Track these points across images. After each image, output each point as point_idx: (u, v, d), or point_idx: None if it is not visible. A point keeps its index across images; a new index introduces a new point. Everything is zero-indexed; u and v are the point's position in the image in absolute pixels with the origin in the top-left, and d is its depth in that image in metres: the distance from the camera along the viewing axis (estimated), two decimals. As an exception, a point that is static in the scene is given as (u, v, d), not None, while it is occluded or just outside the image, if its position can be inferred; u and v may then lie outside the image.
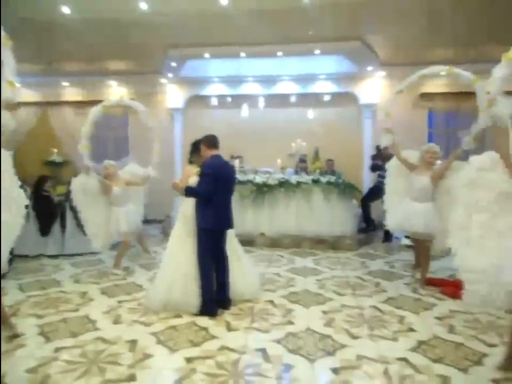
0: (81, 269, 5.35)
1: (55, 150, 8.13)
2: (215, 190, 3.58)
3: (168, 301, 3.68)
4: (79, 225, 6.10)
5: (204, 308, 3.64)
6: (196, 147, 3.96)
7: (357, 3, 6.07)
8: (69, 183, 6.45)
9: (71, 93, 9.61)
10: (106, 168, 5.26)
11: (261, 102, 9.32)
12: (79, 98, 9.48)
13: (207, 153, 3.73)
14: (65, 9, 6.13)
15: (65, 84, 9.39)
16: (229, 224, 3.82)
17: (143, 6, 6.07)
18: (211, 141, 3.77)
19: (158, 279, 3.85)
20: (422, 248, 4.59)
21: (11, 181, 2.94)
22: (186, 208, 3.87)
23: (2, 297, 3.27)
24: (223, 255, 3.82)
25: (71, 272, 5.18)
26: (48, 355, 2.87)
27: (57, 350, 2.95)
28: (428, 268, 4.60)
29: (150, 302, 3.78)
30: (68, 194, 6.33)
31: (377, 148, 7.32)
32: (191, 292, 3.67)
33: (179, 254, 3.80)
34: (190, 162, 4.05)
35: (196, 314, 3.61)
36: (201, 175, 3.62)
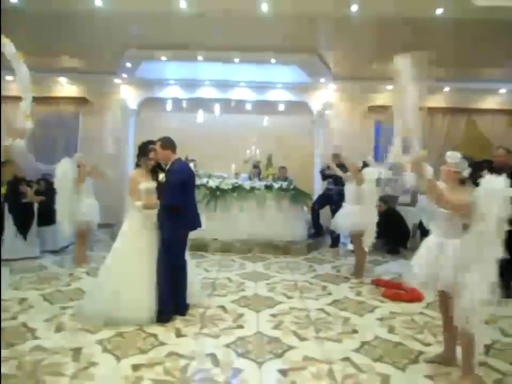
0: (20, 274, 5.03)
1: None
2: (186, 196, 3.59)
3: (112, 314, 3.41)
4: (20, 229, 5.77)
5: (162, 315, 3.54)
6: (144, 150, 3.78)
7: (312, 17, 6.31)
8: (9, 183, 6.10)
9: (15, 87, 9.02)
10: (80, 160, 5.55)
11: (217, 107, 9.34)
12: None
13: (171, 157, 3.65)
14: (14, -1, 5.80)
15: (9, 78, 8.81)
16: (200, 224, 3.83)
17: (98, 2, 5.89)
18: (174, 145, 3.69)
19: (98, 291, 3.56)
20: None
21: None
22: (134, 220, 3.69)
23: None
24: (184, 259, 3.78)
25: (9, 278, 4.84)
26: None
27: (-9, 361, 2.77)
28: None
29: (88, 317, 3.47)
30: (7, 196, 5.95)
31: (323, 166, 7.60)
32: (139, 302, 3.48)
33: (128, 262, 3.55)
34: (137, 165, 3.84)
35: (148, 324, 3.47)
36: (173, 182, 3.50)
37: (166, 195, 3.54)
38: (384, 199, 6.82)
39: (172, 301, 3.62)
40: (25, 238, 5.81)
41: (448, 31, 6.53)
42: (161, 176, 3.64)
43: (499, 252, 2.36)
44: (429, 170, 2.64)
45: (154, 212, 3.60)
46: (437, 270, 2.67)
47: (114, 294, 3.44)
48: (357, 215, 5.05)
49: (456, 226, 2.65)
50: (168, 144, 3.65)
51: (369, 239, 4.98)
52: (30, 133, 3.53)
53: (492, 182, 2.40)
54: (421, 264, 2.80)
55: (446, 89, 8.82)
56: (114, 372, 2.68)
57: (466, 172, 2.69)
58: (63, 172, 5.24)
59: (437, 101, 8.98)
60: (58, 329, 3.36)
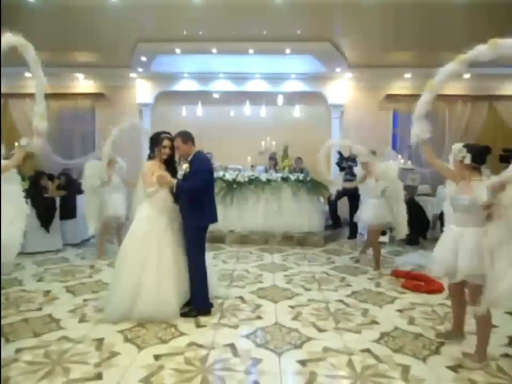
0: (43, 267, 5.17)
1: (16, 144, 7.77)
2: (208, 186, 3.60)
3: (132, 311, 3.35)
4: (42, 223, 5.91)
5: (202, 307, 3.56)
6: (157, 140, 3.66)
7: (327, 5, 6.19)
8: (30, 178, 6.25)
9: (32, 84, 9.18)
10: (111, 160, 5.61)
11: (231, 99, 9.32)
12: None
13: (193, 150, 3.64)
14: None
15: (28, 75, 8.98)
16: (217, 219, 3.79)
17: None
18: (193, 137, 3.67)
19: (116, 287, 3.43)
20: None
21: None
22: (149, 208, 3.56)
23: None
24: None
25: (33, 271, 4.99)
26: (8, 357, 2.76)
27: (18, 351, 2.86)
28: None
29: (109, 314, 3.41)
30: (30, 191, 6.10)
31: (339, 153, 7.53)
32: (164, 298, 3.38)
33: (147, 256, 3.42)
34: (150, 158, 3.70)
35: (187, 315, 3.48)
36: (196, 171, 3.48)
37: (192, 181, 3.47)
38: (404, 189, 6.73)
39: (207, 292, 3.64)
40: (47, 231, 5.96)
41: (465, 15, 6.33)
42: (185, 166, 3.54)
43: None
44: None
45: (169, 196, 3.59)
46: (457, 258, 2.67)
47: (135, 287, 3.35)
48: (377, 208, 5.04)
49: (476, 215, 2.65)
50: (188, 137, 3.63)
51: (402, 232, 5.16)
52: (45, 132, 3.57)
53: None
54: (442, 254, 2.81)
55: (466, 75, 8.57)
56: (136, 361, 2.73)
57: (467, 158, 2.70)
58: (91, 174, 5.44)
59: (457, 89, 8.74)
60: (82, 320, 3.45)
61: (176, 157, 3.84)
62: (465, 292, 2.94)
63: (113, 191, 5.62)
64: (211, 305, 3.66)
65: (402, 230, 5.14)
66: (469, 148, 2.76)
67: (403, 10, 6.30)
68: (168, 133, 3.69)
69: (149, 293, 3.35)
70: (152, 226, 3.49)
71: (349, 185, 5.93)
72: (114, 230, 5.95)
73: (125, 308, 3.36)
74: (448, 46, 7.53)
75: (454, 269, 2.69)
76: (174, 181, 3.50)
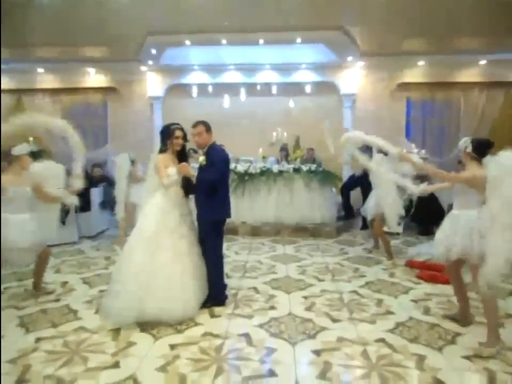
0: (60, 259, 5.27)
1: (31, 139, 7.88)
2: (225, 179, 3.60)
3: (143, 311, 3.14)
4: (60, 215, 6.00)
5: (219, 297, 3.60)
6: (168, 133, 3.52)
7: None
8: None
9: (46, 80, 9.29)
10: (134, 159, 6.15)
11: (242, 91, 9.27)
12: (55, 85, 9.19)
13: (210, 140, 3.60)
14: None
15: (40, 70, 9.08)
16: (230, 214, 3.73)
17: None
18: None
19: (122, 288, 3.16)
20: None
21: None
22: (162, 202, 3.41)
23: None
24: None
25: (50, 263, 5.05)
26: (28, 346, 2.84)
27: (38, 340, 2.93)
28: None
29: (115, 316, 3.16)
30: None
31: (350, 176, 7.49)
32: (179, 294, 3.24)
33: (157, 253, 3.25)
34: (162, 151, 3.52)
35: (206, 306, 3.49)
36: (213, 162, 3.43)
37: (211, 172, 3.41)
38: (418, 179, 6.63)
39: (224, 283, 3.69)
40: (63, 224, 6.04)
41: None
42: (202, 159, 3.44)
43: None
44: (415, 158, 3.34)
45: (180, 190, 3.52)
46: (453, 239, 2.93)
47: (146, 285, 3.16)
48: (373, 199, 5.18)
49: (470, 198, 2.91)
50: (210, 126, 3.60)
51: (391, 222, 4.96)
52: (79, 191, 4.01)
53: (506, 157, 2.54)
54: (441, 236, 3.07)
55: (482, 62, 8.35)
56: (152, 351, 2.77)
57: (469, 147, 2.97)
58: (122, 164, 5.94)
59: (472, 76, 8.54)
60: (98, 310, 3.50)
61: (187, 147, 3.80)
62: (461, 273, 3.20)
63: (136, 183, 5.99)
64: (226, 297, 3.69)
65: (392, 222, 4.93)
66: (473, 140, 3.02)
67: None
68: (178, 124, 3.60)
69: (163, 290, 3.17)
70: (164, 220, 3.34)
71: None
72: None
73: (134, 309, 3.11)
74: (461, 32, 7.42)
75: (450, 249, 2.93)
76: (194, 173, 3.44)
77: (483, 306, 2.84)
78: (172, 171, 3.32)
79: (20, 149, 3.68)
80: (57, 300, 3.77)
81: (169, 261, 3.26)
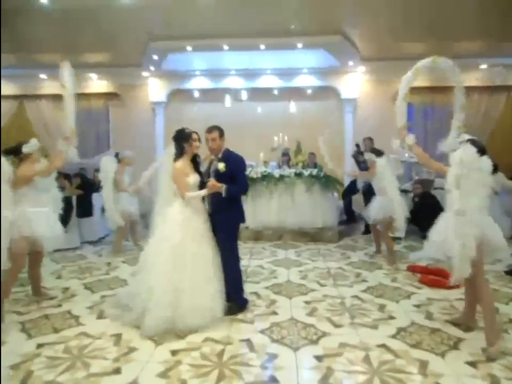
0: (61, 264, 5.28)
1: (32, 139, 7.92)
2: None
3: (176, 321, 3.10)
4: (61, 221, 6.00)
5: (241, 304, 3.58)
6: (186, 137, 3.41)
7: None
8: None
9: (49, 85, 9.36)
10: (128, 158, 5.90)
11: (243, 96, 9.31)
12: (57, 91, 9.22)
13: (223, 146, 3.58)
14: (43, -1, 5.98)
15: (42, 76, 9.14)
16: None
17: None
18: None
19: (153, 299, 3.08)
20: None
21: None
22: (185, 209, 3.35)
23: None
24: None
25: (52, 268, 5.10)
26: (30, 351, 2.84)
27: (40, 346, 2.93)
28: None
29: (149, 329, 3.06)
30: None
31: (357, 146, 7.43)
32: (207, 301, 3.22)
33: (184, 262, 3.20)
34: (178, 157, 3.39)
35: (229, 314, 3.41)
36: (237, 171, 3.46)
37: (239, 181, 3.45)
38: (419, 183, 6.63)
39: (243, 288, 3.66)
40: (65, 229, 6.05)
41: (478, 3, 6.19)
42: (222, 166, 3.39)
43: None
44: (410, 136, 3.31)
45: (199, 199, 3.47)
46: (441, 239, 2.92)
47: (178, 296, 3.11)
48: (378, 204, 5.13)
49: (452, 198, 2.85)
50: (223, 133, 3.57)
51: (400, 225, 4.95)
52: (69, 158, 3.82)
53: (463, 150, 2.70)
54: (432, 237, 3.06)
55: (483, 66, 8.37)
56: (154, 357, 2.77)
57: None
58: (108, 167, 5.59)
59: (473, 80, 8.56)
60: (100, 316, 3.51)
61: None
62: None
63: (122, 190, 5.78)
64: (247, 301, 3.67)
65: (401, 226, 4.94)
66: (472, 140, 2.95)
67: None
68: (188, 128, 3.53)
69: (193, 299, 3.13)
70: (187, 228, 3.28)
71: (358, 174, 5.99)
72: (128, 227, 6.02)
73: (168, 319, 3.07)
74: (461, 36, 7.44)
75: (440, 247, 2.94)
76: (223, 186, 3.34)
77: (481, 307, 2.88)
78: (191, 182, 3.35)
79: (31, 146, 3.68)
80: (59, 305, 3.77)
81: (196, 269, 3.22)
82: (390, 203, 4.90)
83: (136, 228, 6.24)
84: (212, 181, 3.33)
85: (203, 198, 3.52)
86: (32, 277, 3.97)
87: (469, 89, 8.49)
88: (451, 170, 2.75)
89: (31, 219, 3.46)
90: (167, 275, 3.12)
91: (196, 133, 3.51)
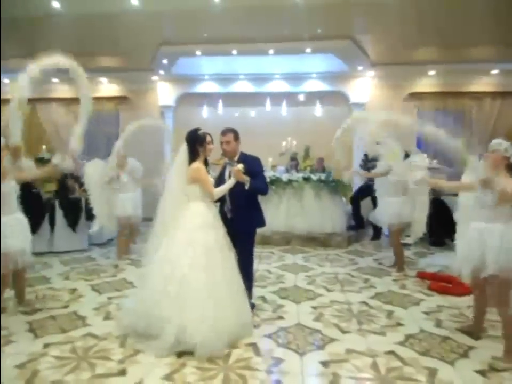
0: (70, 266, 5.31)
1: (44, 147, 8.04)
2: None
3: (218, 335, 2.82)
4: (69, 222, 6.07)
5: (253, 305, 3.54)
6: (199, 139, 3.24)
7: (347, 2, 6.13)
8: (58, 181, 6.44)
9: (60, 89, 9.49)
10: (121, 156, 5.61)
11: (252, 100, 9.33)
12: (69, 95, 9.38)
13: (238, 149, 3.53)
14: (56, 4, 6.08)
15: (54, 80, 9.28)
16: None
17: (134, 1, 6.04)
18: None
19: (186, 310, 2.82)
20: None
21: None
22: (208, 214, 3.18)
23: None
24: None
25: (60, 269, 5.13)
26: (37, 351, 2.85)
27: (46, 346, 2.94)
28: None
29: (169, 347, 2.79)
30: (57, 192, 6.30)
31: (365, 155, 7.37)
32: (241, 310, 3.09)
33: (216, 271, 2.99)
34: (193, 159, 3.20)
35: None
36: (258, 171, 3.42)
37: (261, 183, 3.46)
38: (430, 189, 6.55)
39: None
40: (74, 231, 6.12)
41: (488, 9, 6.14)
42: (241, 166, 3.27)
43: None
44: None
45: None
46: (484, 255, 2.69)
47: (204, 306, 2.83)
48: (398, 207, 4.83)
49: (502, 212, 2.67)
50: (238, 136, 3.53)
51: (419, 230, 4.85)
52: (78, 154, 3.66)
53: None
54: (467, 252, 2.82)
55: (494, 71, 8.29)
56: (159, 359, 2.75)
57: (508, 152, 2.73)
58: (93, 172, 5.36)
59: (484, 85, 8.47)
60: (106, 317, 3.51)
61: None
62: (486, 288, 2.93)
63: (121, 191, 5.56)
64: (254, 305, 3.64)
65: (420, 228, 4.86)
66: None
67: (425, 4, 6.18)
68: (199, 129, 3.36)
69: (216, 310, 2.87)
70: (212, 234, 3.11)
71: (372, 175, 5.54)
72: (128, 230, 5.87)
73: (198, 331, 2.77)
74: (472, 41, 7.39)
75: (481, 265, 2.71)
76: (247, 178, 3.28)
77: (504, 323, 2.77)
78: (227, 183, 3.27)
79: (59, 160, 3.53)
80: (66, 306, 3.78)
81: (225, 278, 3.02)
82: (407, 206, 4.74)
83: (135, 233, 6.01)
84: (238, 167, 3.22)
85: (221, 203, 3.47)
86: (16, 283, 3.72)
87: (481, 95, 8.47)
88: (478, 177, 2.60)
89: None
90: (197, 286, 2.86)
91: (209, 134, 3.38)
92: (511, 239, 2.60)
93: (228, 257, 3.13)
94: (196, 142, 3.24)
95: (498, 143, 2.81)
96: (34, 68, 3.44)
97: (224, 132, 3.50)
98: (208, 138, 3.30)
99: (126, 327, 3.14)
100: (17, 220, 3.38)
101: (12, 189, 3.33)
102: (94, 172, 5.38)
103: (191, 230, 3.05)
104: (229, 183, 3.27)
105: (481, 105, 8.54)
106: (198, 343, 2.72)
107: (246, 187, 3.29)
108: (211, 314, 2.81)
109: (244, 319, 3.08)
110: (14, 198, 3.36)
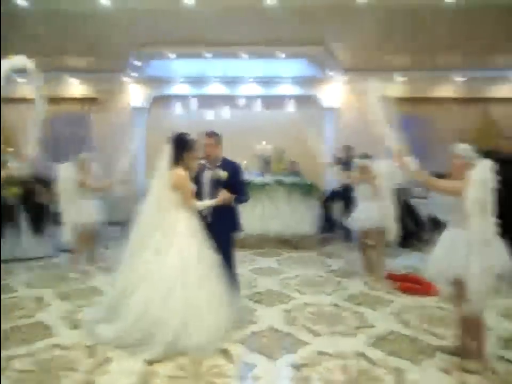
0: (36, 273, 5.11)
1: (10, 149, 7.70)
2: None
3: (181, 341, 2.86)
4: (36, 229, 5.85)
5: None
6: (187, 145, 3.17)
7: (319, 9, 6.23)
8: (23, 184, 6.18)
9: (27, 89, 9.12)
10: (84, 160, 5.35)
11: (226, 103, 9.31)
12: (33, 95, 9.03)
13: (220, 153, 3.50)
14: (21, 0, 5.86)
15: (21, 80, 8.92)
16: None
17: (105, 1, 5.91)
18: None
19: (166, 321, 2.84)
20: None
21: None
22: (192, 222, 3.16)
23: None
24: None
25: (25, 277, 4.93)
26: (-1, 364, 2.73)
27: (9, 359, 2.81)
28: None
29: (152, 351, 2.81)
30: (23, 196, 6.04)
31: (334, 156, 7.46)
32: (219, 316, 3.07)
33: (196, 279, 3.01)
34: (176, 164, 3.12)
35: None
36: (240, 181, 3.51)
37: (243, 190, 3.57)
38: (397, 192, 6.71)
39: None
40: (41, 237, 5.90)
41: (458, 17, 6.41)
42: (223, 174, 3.31)
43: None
44: (411, 161, 3.02)
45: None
46: (449, 259, 2.67)
47: (186, 317, 2.87)
48: (374, 212, 4.76)
49: (466, 216, 2.58)
50: (221, 139, 3.49)
51: (391, 234, 4.71)
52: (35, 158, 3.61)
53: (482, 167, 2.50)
54: (435, 256, 2.81)
55: (460, 78, 8.63)
56: (129, 368, 2.69)
57: (471, 159, 2.71)
58: (64, 176, 5.10)
59: (449, 91, 8.81)
60: (75, 327, 3.40)
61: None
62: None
63: (86, 197, 5.21)
64: None
65: (392, 231, 4.75)
66: (484, 152, 2.78)
67: (396, 13, 6.37)
68: (188, 134, 3.30)
69: (201, 319, 2.92)
70: (197, 242, 3.11)
71: (345, 178, 5.53)
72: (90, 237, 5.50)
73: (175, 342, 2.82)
74: (441, 49, 7.68)
75: (446, 269, 2.69)
76: (233, 196, 3.36)
77: (470, 326, 2.75)
78: (210, 201, 3.29)
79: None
80: (31, 316, 3.63)
81: (209, 288, 3.04)
82: (381, 210, 4.64)
83: (93, 242, 5.58)
84: (224, 193, 3.25)
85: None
86: None
87: (446, 100, 8.78)
88: (471, 194, 2.49)
89: None
90: (181, 295, 2.89)
91: (197, 142, 3.30)
92: (473, 245, 2.53)
93: (209, 264, 3.10)
94: (183, 147, 3.16)
95: (463, 148, 2.81)
96: None
97: (210, 134, 3.45)
98: (196, 146, 3.25)
99: (97, 335, 3.06)
100: None
101: None
102: (69, 176, 5.10)
103: (174, 236, 3.03)
104: (213, 201, 3.26)
105: (446, 110, 8.84)
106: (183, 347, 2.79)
107: (232, 204, 3.34)
108: (192, 320, 2.85)
109: (223, 325, 3.07)
110: None
